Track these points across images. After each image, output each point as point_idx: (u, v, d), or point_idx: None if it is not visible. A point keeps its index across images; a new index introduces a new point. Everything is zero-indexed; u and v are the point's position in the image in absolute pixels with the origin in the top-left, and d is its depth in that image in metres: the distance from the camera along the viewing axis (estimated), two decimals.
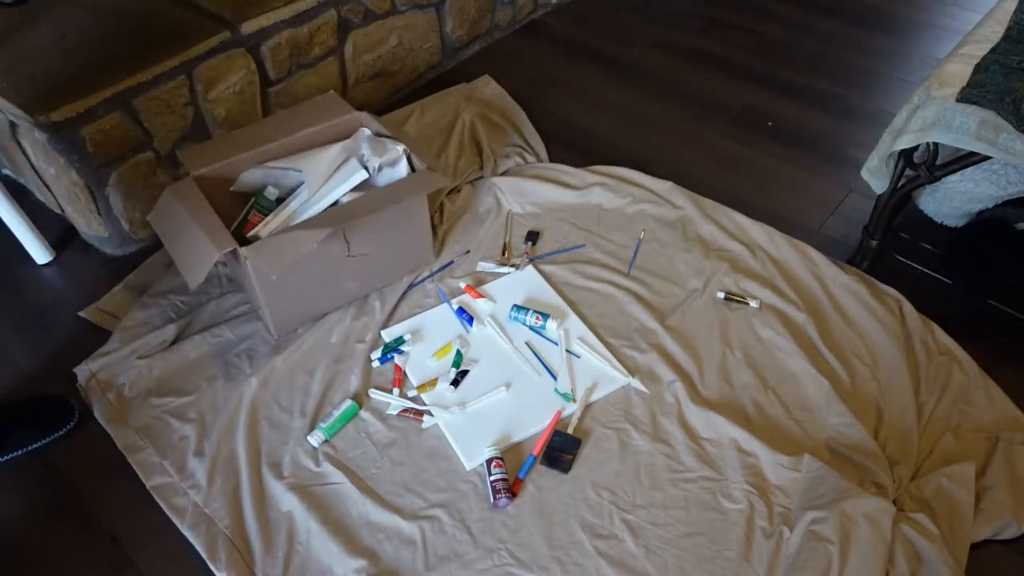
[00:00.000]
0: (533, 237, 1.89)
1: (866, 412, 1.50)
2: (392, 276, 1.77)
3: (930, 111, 1.46)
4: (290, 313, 1.65)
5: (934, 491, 1.35)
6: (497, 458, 1.41)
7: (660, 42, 2.68)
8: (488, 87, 2.42)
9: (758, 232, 1.88)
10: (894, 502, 1.34)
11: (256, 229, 1.59)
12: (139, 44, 1.82)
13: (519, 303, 1.70)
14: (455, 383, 1.55)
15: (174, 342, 1.67)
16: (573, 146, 2.22)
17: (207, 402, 1.56)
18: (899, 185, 1.67)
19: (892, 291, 1.73)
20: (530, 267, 1.81)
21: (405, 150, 1.67)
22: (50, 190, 1.90)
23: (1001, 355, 1.61)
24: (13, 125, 1.77)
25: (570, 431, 1.48)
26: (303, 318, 1.69)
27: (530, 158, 2.14)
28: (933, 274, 1.81)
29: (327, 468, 1.44)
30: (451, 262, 1.84)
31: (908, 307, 1.69)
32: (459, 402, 1.53)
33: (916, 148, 1.58)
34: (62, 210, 1.96)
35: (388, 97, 2.42)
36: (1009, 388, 1.53)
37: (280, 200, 1.69)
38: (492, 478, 1.38)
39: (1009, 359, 1.60)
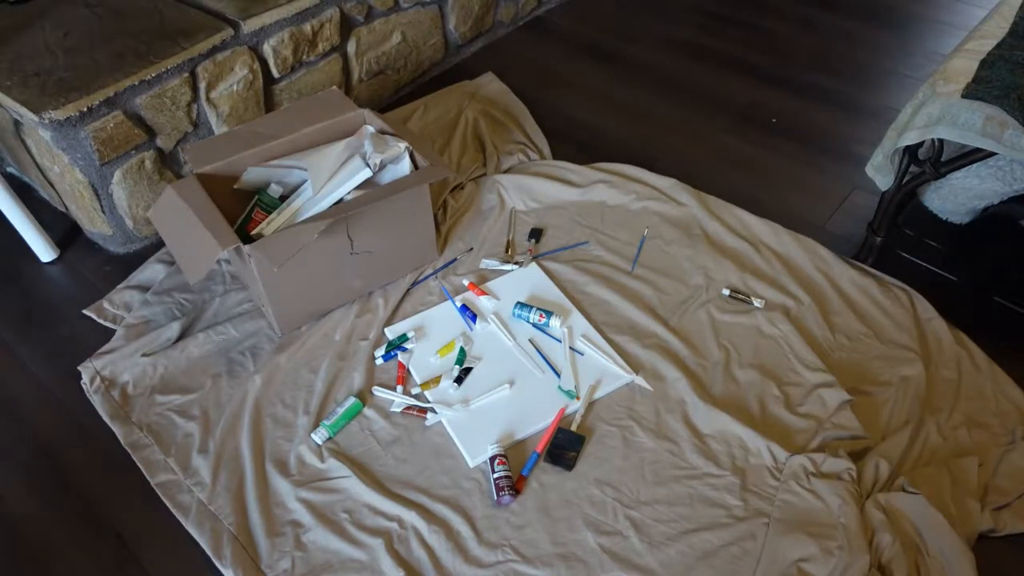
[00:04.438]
0: (536, 234, 1.89)
1: (874, 408, 1.49)
2: (395, 273, 1.77)
3: (935, 107, 1.45)
4: (294, 310, 1.66)
5: (937, 483, 1.35)
6: (500, 455, 1.41)
7: (664, 38, 2.68)
8: (491, 84, 2.42)
9: (763, 229, 1.87)
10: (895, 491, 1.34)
11: (260, 227, 1.59)
12: (142, 42, 1.82)
13: (522, 300, 1.70)
14: (458, 380, 1.55)
15: (178, 340, 1.67)
16: (576, 143, 2.21)
17: (211, 400, 1.56)
18: (904, 182, 1.66)
19: (901, 285, 1.72)
20: (533, 264, 1.80)
21: (408, 147, 1.67)
22: (54, 188, 1.91)
23: (1007, 352, 1.60)
24: (17, 123, 1.78)
25: (574, 428, 1.48)
26: (307, 315, 1.69)
27: (533, 155, 2.13)
28: (938, 271, 1.80)
29: (332, 464, 1.44)
30: (454, 259, 1.84)
31: (920, 299, 1.68)
32: (462, 399, 1.53)
33: (921, 144, 1.57)
34: (66, 208, 1.96)
35: (391, 94, 2.42)
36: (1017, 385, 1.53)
37: (284, 198, 1.69)
38: (495, 475, 1.38)
39: (1015, 356, 1.60)
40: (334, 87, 1.87)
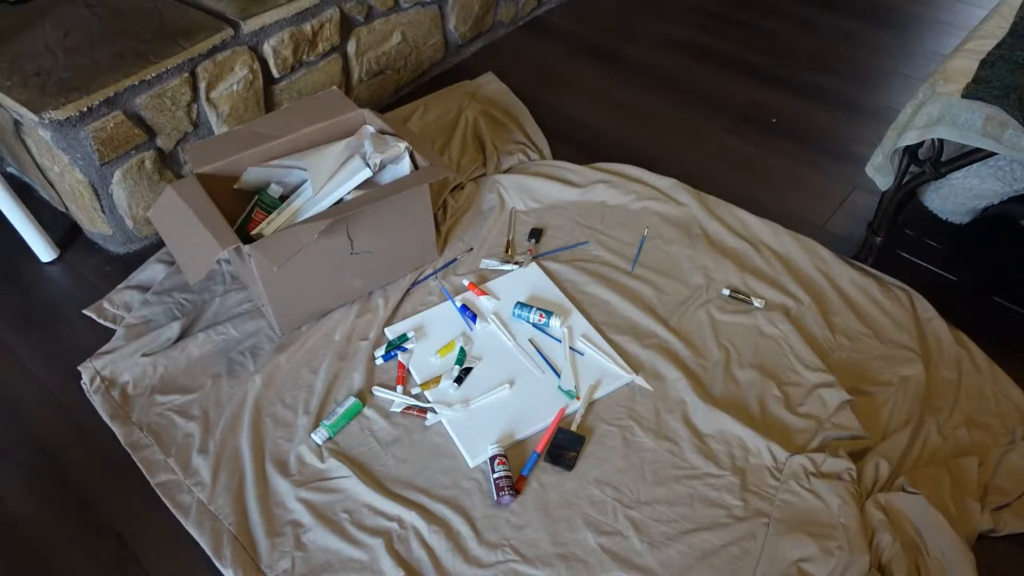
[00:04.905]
0: (536, 234, 1.89)
1: (874, 408, 1.50)
2: (395, 273, 1.77)
3: (935, 107, 1.45)
4: (294, 310, 1.66)
5: (937, 483, 1.35)
6: (500, 455, 1.41)
7: (664, 38, 2.68)
8: (491, 84, 2.42)
9: (763, 229, 1.87)
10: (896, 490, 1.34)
11: (260, 227, 1.59)
12: (142, 42, 1.82)
13: (522, 300, 1.70)
14: (458, 380, 1.55)
15: (178, 340, 1.67)
16: (576, 143, 2.21)
17: (211, 400, 1.56)
18: (904, 182, 1.66)
19: (901, 285, 1.72)
20: (533, 264, 1.80)
21: (408, 147, 1.67)
22: (54, 188, 1.91)
23: (1007, 352, 1.60)
24: (17, 123, 1.78)
25: (574, 428, 1.48)
26: (307, 316, 1.69)
27: (533, 155, 2.13)
28: (938, 271, 1.80)
29: (332, 464, 1.44)
30: (454, 259, 1.84)
31: (920, 299, 1.68)
32: (462, 399, 1.53)
33: (921, 144, 1.57)
34: (66, 208, 1.96)
35: (391, 94, 2.42)
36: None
37: (284, 198, 1.69)
38: (495, 475, 1.38)
39: (1015, 356, 1.60)
40: (334, 87, 1.87)
